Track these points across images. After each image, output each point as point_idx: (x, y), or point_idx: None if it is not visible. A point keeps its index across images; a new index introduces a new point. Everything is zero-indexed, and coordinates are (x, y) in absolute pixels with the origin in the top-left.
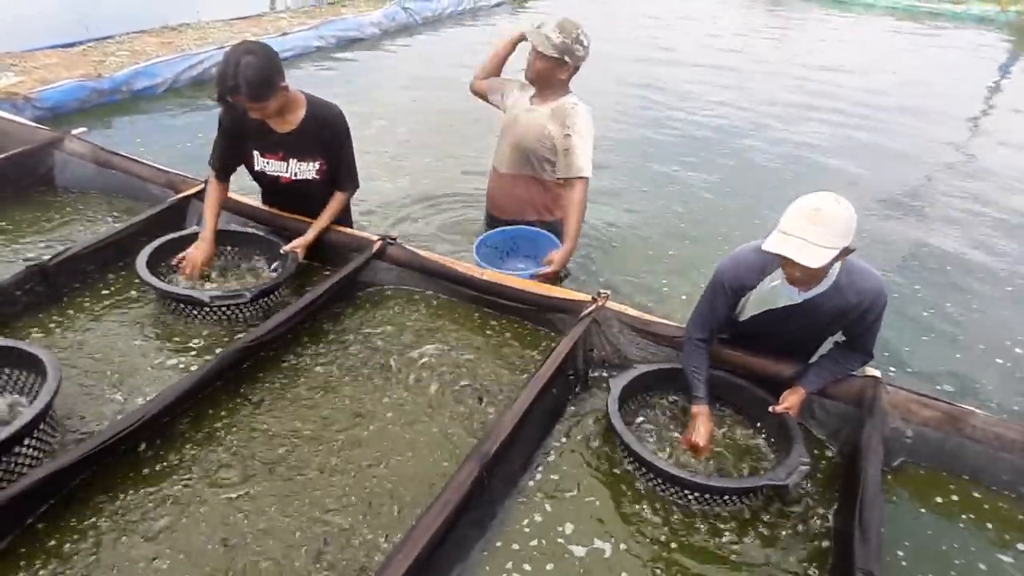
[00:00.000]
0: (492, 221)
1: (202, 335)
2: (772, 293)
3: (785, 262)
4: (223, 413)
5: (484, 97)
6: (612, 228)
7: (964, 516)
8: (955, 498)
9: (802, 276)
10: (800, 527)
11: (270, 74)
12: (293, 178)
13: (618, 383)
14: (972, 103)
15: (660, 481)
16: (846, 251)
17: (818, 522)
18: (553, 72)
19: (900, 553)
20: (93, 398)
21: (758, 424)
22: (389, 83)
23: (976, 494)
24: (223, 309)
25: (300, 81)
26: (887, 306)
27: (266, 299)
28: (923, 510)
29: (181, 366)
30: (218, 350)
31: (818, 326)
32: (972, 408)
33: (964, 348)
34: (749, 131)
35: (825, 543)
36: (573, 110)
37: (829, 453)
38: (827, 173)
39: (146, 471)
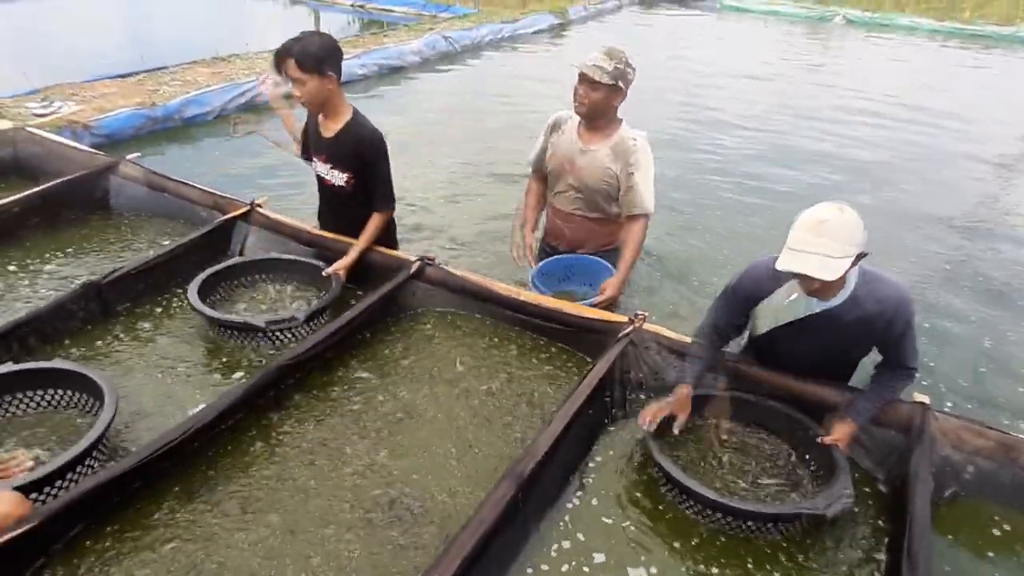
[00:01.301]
0: (551, 251)
1: (247, 356)
2: (790, 305)
3: (801, 277)
4: (259, 431)
5: (545, 174)
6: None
7: (1017, 549)
8: (1009, 529)
9: (820, 287)
10: (846, 561)
11: (324, 55)
12: (332, 182)
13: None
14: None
15: (692, 503)
16: (859, 256)
17: (864, 555)
18: (608, 101)
19: None
20: (142, 416)
21: (804, 453)
22: (430, 109)
23: None
24: (276, 333)
25: None
26: (949, 342)
27: (316, 324)
28: (977, 545)
29: (226, 384)
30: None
31: (844, 340)
32: None
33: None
34: (801, 159)
35: (877, 574)
36: (634, 146)
37: (879, 486)
38: (881, 199)
39: (183, 487)
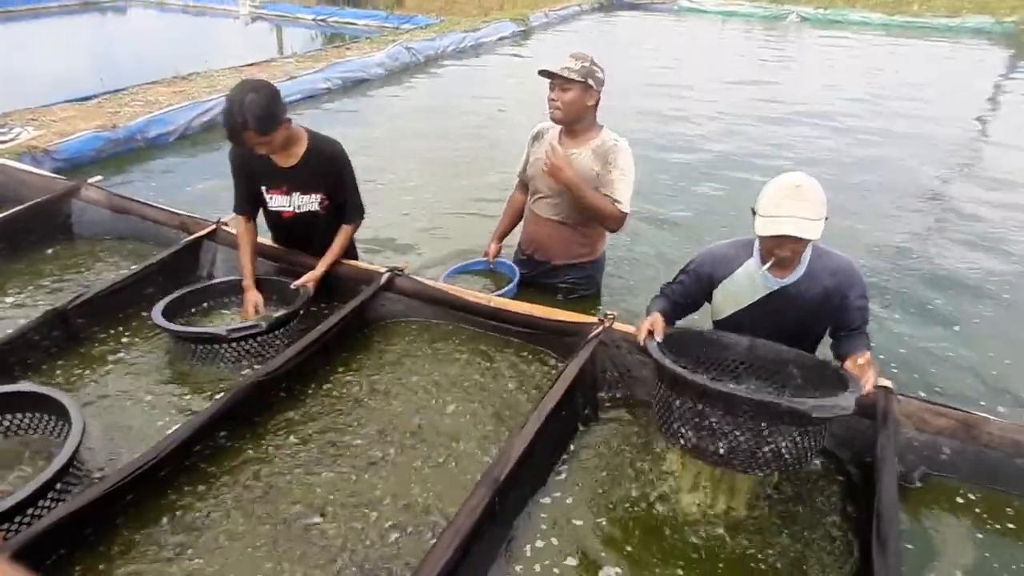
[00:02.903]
0: (527, 260)
1: (217, 376)
2: (748, 284)
3: (775, 244)
4: (237, 447)
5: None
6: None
7: (986, 525)
8: (977, 508)
9: (793, 255)
10: (818, 546)
11: (274, 108)
12: (296, 211)
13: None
14: (972, 115)
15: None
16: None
17: (835, 540)
18: (582, 100)
19: (922, 565)
20: (111, 440)
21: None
22: (396, 121)
23: (997, 502)
24: (241, 343)
25: (309, 122)
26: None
27: (282, 335)
28: (944, 522)
29: (197, 406)
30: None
31: (805, 317)
32: (987, 415)
33: (986, 358)
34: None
35: (848, 559)
36: (615, 146)
37: (847, 470)
38: (840, 187)
39: (160, 509)
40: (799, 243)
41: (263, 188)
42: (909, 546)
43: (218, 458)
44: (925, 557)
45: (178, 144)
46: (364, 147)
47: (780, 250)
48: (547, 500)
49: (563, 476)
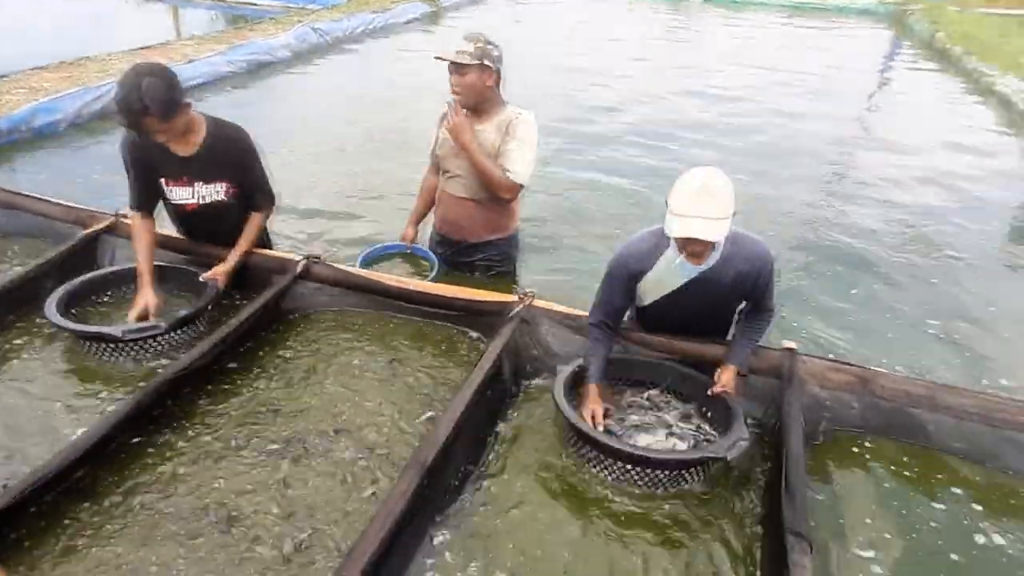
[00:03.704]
0: (442, 240)
1: (123, 374)
2: (669, 274)
3: (685, 242)
4: (149, 452)
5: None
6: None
7: (885, 472)
8: (876, 457)
9: (703, 250)
10: (738, 505)
11: (174, 92)
12: (200, 203)
13: (566, 369)
14: (861, 93)
15: (605, 456)
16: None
17: (750, 496)
18: (481, 81)
19: (829, 512)
20: (13, 448)
21: (703, 408)
22: (304, 104)
23: (894, 450)
24: (140, 343)
25: (212, 108)
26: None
27: (190, 332)
28: (848, 471)
29: (104, 407)
30: (142, 385)
31: (721, 298)
32: (881, 369)
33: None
34: (669, 134)
35: (760, 510)
36: (517, 119)
37: (759, 430)
38: (733, 166)
39: (65, 523)
40: (707, 242)
41: (162, 180)
42: (819, 496)
43: (125, 465)
44: (832, 505)
45: (70, 133)
46: (273, 132)
47: (691, 246)
48: (478, 478)
49: (494, 453)
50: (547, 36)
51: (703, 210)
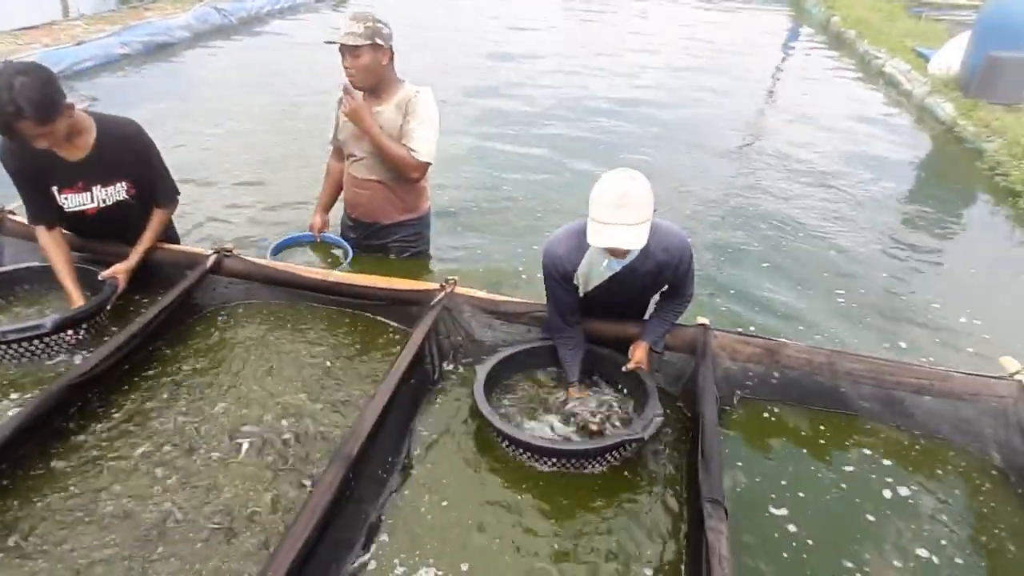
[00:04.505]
0: (354, 225)
1: (27, 376)
2: (592, 269)
3: (607, 248)
4: (50, 461)
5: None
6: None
7: (793, 437)
8: (784, 422)
9: (624, 251)
10: (657, 472)
11: (52, 92)
12: (101, 206)
13: (483, 368)
14: (764, 74)
15: (530, 453)
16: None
17: (671, 464)
18: (376, 61)
19: (744, 476)
20: None
21: (620, 386)
22: (204, 88)
23: (800, 415)
24: (23, 345)
25: (105, 92)
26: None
27: (87, 333)
28: (759, 438)
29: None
30: (39, 389)
31: (642, 285)
32: (785, 340)
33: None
34: (567, 114)
35: (678, 477)
36: (416, 98)
37: (677, 403)
38: (645, 142)
39: None
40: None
41: (54, 189)
42: (738, 464)
43: (23, 478)
44: (747, 470)
45: None
46: (173, 119)
47: (612, 251)
48: (405, 467)
49: (419, 442)
50: (457, 14)
51: (623, 217)
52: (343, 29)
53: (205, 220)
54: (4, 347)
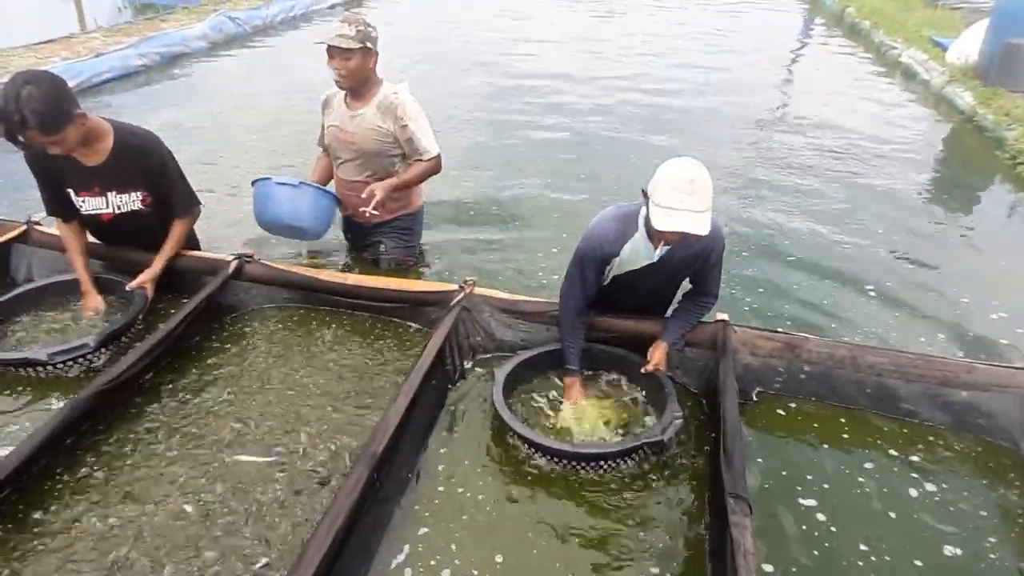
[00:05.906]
0: (350, 224)
1: (56, 387)
2: (633, 255)
3: (668, 234)
4: (89, 461)
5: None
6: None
7: (813, 432)
8: (806, 418)
9: (679, 240)
10: (680, 470)
11: (58, 102)
12: (116, 212)
13: (502, 372)
14: (779, 67)
15: (550, 457)
16: None
17: (692, 463)
18: (364, 64)
19: (767, 473)
20: None
21: (639, 387)
22: (222, 97)
23: (821, 411)
24: (69, 364)
25: (124, 104)
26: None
27: (120, 343)
28: (780, 433)
29: (34, 421)
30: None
31: (671, 276)
32: (807, 335)
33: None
34: (589, 111)
35: (700, 473)
36: (397, 99)
37: (698, 400)
38: (656, 146)
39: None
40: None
41: (70, 191)
42: (758, 459)
43: (56, 484)
44: (771, 464)
45: None
46: (192, 128)
47: (672, 237)
48: (429, 465)
49: (442, 441)
50: (472, 17)
51: (691, 204)
52: (334, 31)
53: (224, 226)
54: (51, 367)
